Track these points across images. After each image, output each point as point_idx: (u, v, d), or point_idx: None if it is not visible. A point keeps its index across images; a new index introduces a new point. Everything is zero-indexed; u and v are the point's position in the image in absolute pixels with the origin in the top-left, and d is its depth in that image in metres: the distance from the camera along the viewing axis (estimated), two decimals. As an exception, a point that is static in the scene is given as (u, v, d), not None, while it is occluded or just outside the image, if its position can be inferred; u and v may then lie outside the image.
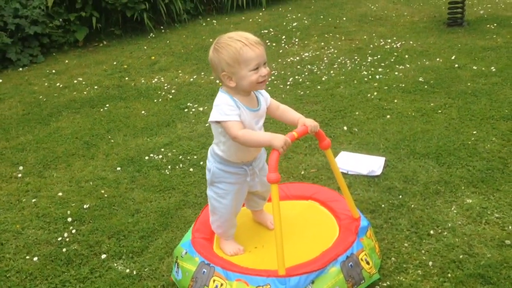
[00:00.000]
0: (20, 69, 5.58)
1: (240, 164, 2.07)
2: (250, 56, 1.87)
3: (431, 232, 2.41)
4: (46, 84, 5.07)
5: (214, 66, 1.96)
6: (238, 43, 1.87)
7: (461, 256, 2.23)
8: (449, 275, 2.14)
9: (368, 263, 2.04)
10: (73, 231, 2.65)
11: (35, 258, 2.46)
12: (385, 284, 2.11)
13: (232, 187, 2.09)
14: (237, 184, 2.09)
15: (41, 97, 4.71)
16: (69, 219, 2.75)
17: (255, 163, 2.12)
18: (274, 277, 1.89)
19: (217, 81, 2.11)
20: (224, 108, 1.91)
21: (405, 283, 2.12)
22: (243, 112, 1.94)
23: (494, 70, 4.34)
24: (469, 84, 4.11)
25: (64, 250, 2.51)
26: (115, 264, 2.38)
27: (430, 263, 2.21)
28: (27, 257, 2.48)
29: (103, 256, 2.44)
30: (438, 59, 4.75)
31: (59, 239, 2.60)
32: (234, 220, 2.21)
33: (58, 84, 5.03)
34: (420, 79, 4.30)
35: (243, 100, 1.97)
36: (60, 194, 3.02)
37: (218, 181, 2.08)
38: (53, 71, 5.44)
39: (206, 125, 3.78)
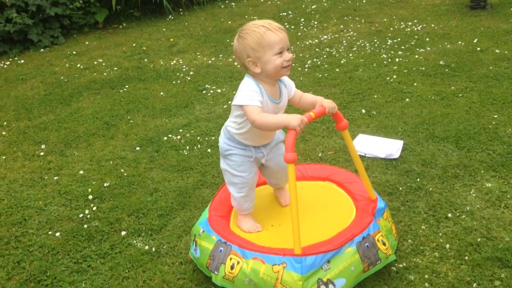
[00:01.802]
0: (42, 50, 5.65)
1: (248, 146, 2.13)
2: (274, 40, 1.92)
3: (449, 215, 2.40)
4: (67, 65, 5.13)
5: (238, 54, 2.00)
6: (262, 28, 1.92)
7: (479, 239, 2.22)
8: (466, 257, 2.13)
9: (384, 244, 2.05)
10: (94, 208, 2.71)
11: (57, 234, 2.53)
12: (401, 266, 2.12)
13: (244, 158, 2.14)
14: (247, 156, 2.15)
15: (62, 77, 4.77)
16: (90, 197, 2.81)
17: (264, 147, 2.17)
18: (290, 255, 1.91)
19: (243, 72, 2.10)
20: (249, 93, 1.96)
21: (421, 264, 2.12)
22: (265, 100, 1.99)
23: (517, 53, 4.25)
24: (491, 67, 4.04)
25: (85, 226, 2.57)
26: (135, 241, 2.43)
27: (447, 245, 2.20)
28: (50, 232, 2.55)
29: (123, 233, 2.49)
30: (460, 42, 4.67)
31: (81, 215, 2.67)
32: (252, 193, 2.22)
33: (78, 65, 5.09)
34: (441, 63, 4.24)
35: (267, 89, 2.01)
36: (81, 172, 3.08)
37: (229, 153, 2.14)
38: (74, 52, 5.50)
39: (224, 106, 3.79)
